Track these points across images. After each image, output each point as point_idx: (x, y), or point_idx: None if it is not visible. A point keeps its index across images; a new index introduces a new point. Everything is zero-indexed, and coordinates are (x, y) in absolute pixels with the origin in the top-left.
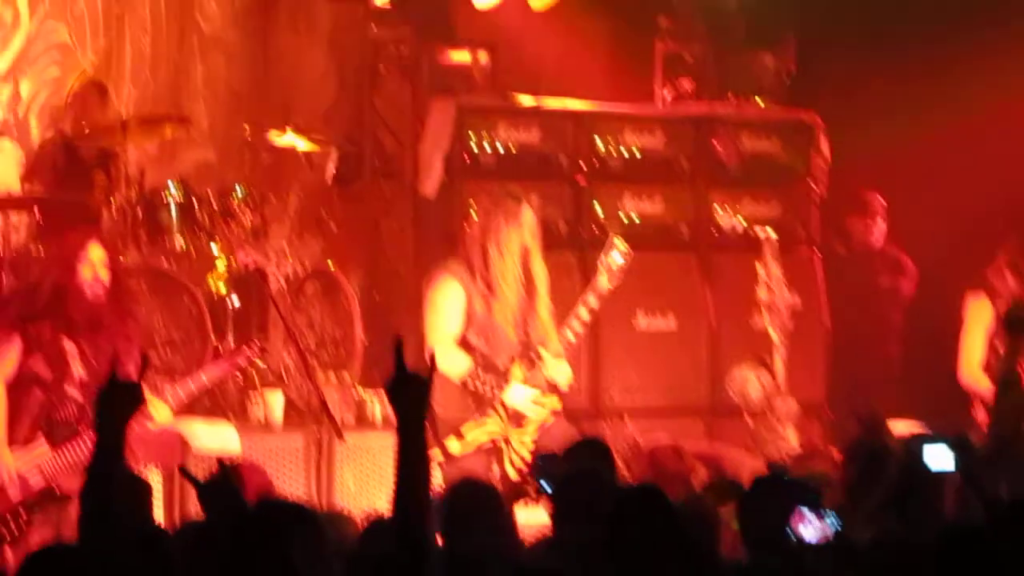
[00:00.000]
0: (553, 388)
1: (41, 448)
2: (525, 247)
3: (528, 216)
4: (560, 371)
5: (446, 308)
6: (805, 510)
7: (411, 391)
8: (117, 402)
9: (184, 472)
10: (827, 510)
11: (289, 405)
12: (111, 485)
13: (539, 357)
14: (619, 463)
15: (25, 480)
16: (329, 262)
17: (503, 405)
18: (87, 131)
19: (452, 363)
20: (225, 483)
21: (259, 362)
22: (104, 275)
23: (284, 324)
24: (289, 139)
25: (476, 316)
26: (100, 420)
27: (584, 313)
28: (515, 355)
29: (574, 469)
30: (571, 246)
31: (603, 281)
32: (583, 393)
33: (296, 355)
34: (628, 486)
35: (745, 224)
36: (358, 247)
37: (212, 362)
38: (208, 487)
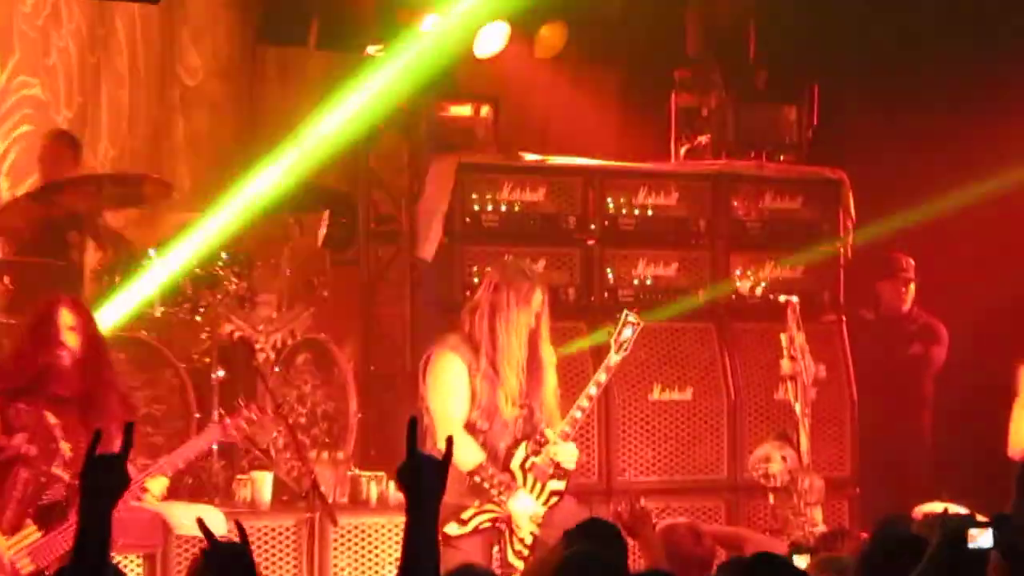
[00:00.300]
0: (559, 470)
1: (31, 532)
2: (533, 330)
3: (538, 298)
4: (567, 453)
5: (452, 389)
6: None
7: (426, 476)
8: (101, 481)
9: (203, 526)
10: None
11: (278, 486)
12: None
13: (544, 440)
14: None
15: (15, 566)
16: (321, 332)
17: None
18: (59, 188)
19: (464, 452)
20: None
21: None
22: (73, 342)
23: (272, 398)
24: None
25: (478, 397)
26: (84, 505)
27: (594, 390)
28: (516, 438)
29: (574, 553)
30: (580, 313)
31: (613, 357)
32: (594, 470)
33: (286, 432)
34: (640, 574)
35: (766, 289)
36: (352, 315)
37: (204, 431)
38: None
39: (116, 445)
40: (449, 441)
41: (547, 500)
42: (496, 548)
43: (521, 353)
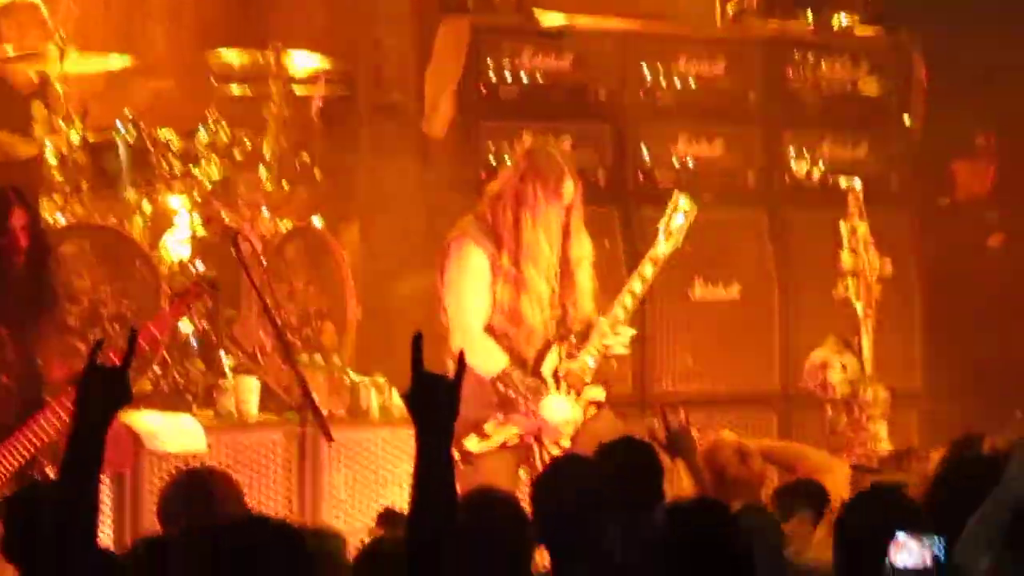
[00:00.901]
0: (605, 366)
1: None
2: (564, 224)
3: (570, 189)
4: (620, 338)
5: (474, 285)
6: (901, 534)
7: (435, 397)
8: (102, 393)
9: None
10: (928, 531)
11: (266, 395)
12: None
13: (579, 344)
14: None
15: None
16: (315, 218)
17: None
18: (18, 54)
19: (486, 357)
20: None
21: (223, 356)
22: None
23: (259, 295)
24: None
25: (499, 301)
26: (79, 419)
27: (638, 286)
28: (548, 341)
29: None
30: (611, 199)
31: (662, 247)
32: (628, 380)
33: (274, 333)
34: (678, 499)
35: (825, 172)
36: (350, 200)
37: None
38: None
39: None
40: (461, 356)
41: (584, 411)
42: (523, 468)
43: (552, 254)
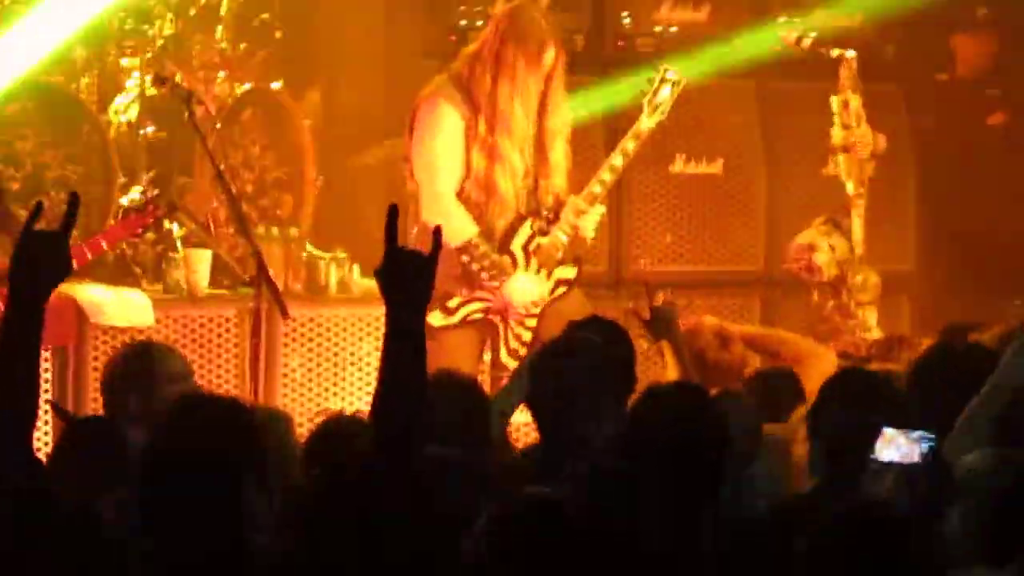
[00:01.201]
0: (570, 254)
1: None
2: (543, 93)
3: (551, 56)
4: (590, 217)
5: (447, 147)
6: (889, 428)
7: (409, 274)
8: (41, 262)
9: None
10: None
11: (218, 267)
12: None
13: (553, 218)
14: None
15: None
16: (274, 82)
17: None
18: None
19: (454, 223)
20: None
21: (172, 227)
22: None
23: (212, 162)
24: None
25: (474, 168)
26: (16, 288)
27: (619, 160)
28: (519, 214)
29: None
30: (588, 66)
31: (646, 121)
32: (603, 258)
33: (228, 202)
34: (656, 384)
35: (816, 39)
36: (310, 60)
37: (108, 230)
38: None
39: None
40: (437, 231)
41: (552, 289)
42: (488, 344)
43: (528, 125)
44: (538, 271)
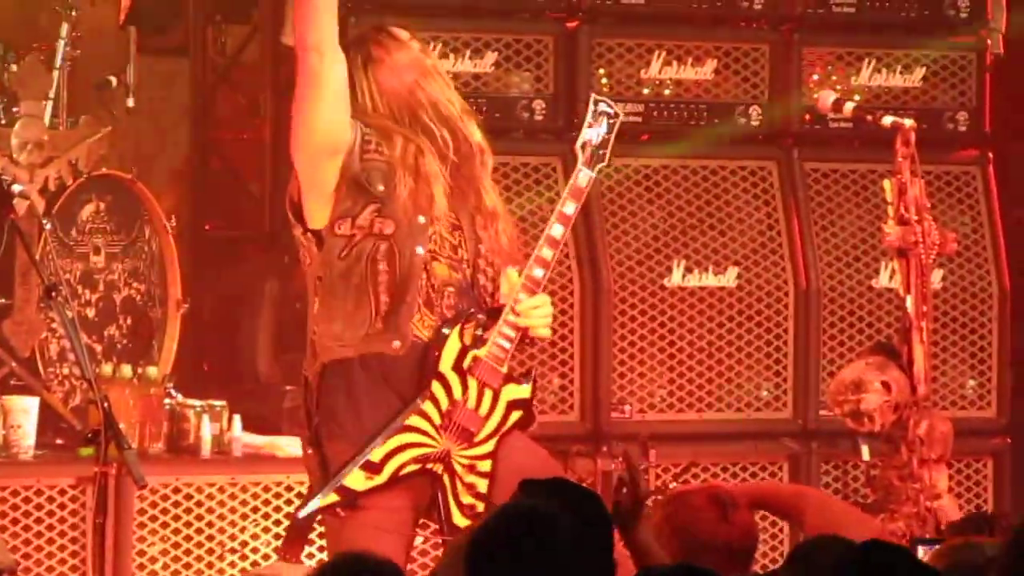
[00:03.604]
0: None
1: None
2: (414, 100)
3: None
4: (538, 311)
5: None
6: None
7: None
8: None
9: None
10: None
11: (47, 420)
12: None
13: (489, 318)
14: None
15: None
16: (123, 166)
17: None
18: None
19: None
20: None
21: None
22: None
23: (40, 277)
24: None
25: (375, 181)
26: None
27: (558, 230)
28: (443, 318)
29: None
30: (553, 143)
31: (583, 173)
32: (575, 403)
33: (63, 331)
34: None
35: (861, 103)
36: (175, 139)
37: None
38: None
39: None
40: None
41: (504, 419)
42: (435, 501)
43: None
44: (480, 396)
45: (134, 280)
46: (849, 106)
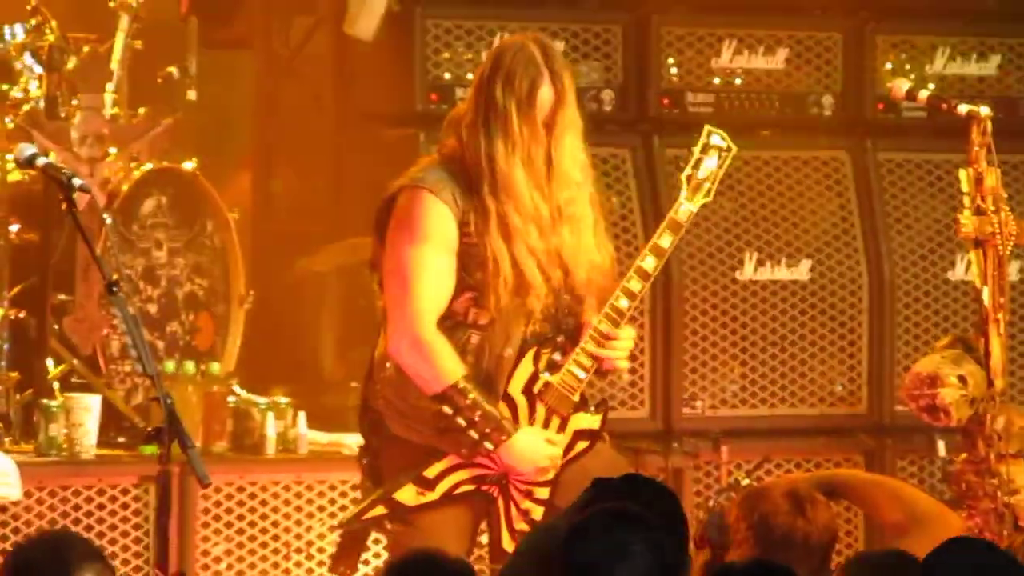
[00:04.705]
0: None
1: None
2: (549, 156)
3: (547, 97)
4: (621, 345)
5: (433, 255)
6: None
7: None
8: None
9: None
10: None
11: (110, 419)
12: None
13: (566, 345)
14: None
15: None
16: (186, 160)
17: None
18: None
19: (435, 362)
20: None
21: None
22: None
23: (101, 272)
24: None
25: (491, 253)
26: None
27: (651, 262)
28: (525, 340)
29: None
30: (620, 133)
31: (685, 206)
32: (645, 399)
33: (123, 329)
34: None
35: (936, 90)
36: (239, 132)
37: None
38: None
39: None
40: None
41: (569, 447)
42: (484, 525)
43: (533, 196)
44: (547, 423)
45: (197, 275)
46: (924, 94)
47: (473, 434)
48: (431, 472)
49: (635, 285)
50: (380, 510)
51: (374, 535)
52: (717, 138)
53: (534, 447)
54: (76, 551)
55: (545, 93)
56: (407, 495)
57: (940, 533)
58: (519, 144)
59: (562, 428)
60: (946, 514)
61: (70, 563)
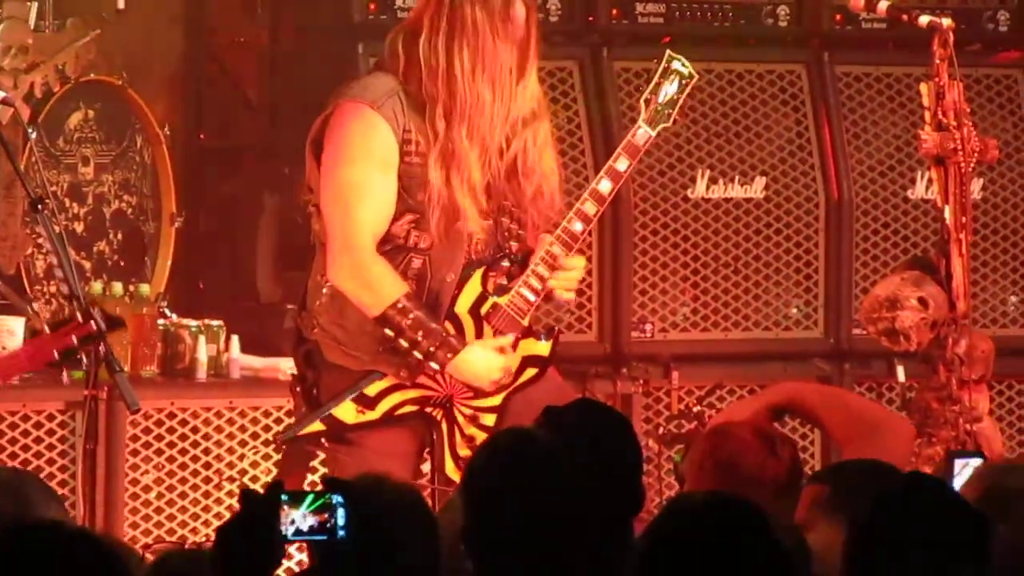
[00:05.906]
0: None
1: None
2: (518, 79)
3: (521, 14)
4: (570, 275)
5: (372, 174)
6: None
7: None
8: None
9: None
10: None
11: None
12: None
13: (516, 264)
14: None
15: None
16: (115, 71)
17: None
18: None
19: (375, 285)
20: None
21: None
22: None
23: (25, 189)
24: None
25: (431, 182)
26: None
27: (606, 186)
28: (469, 260)
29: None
30: (567, 45)
31: (643, 129)
32: (593, 323)
33: (49, 248)
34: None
35: (894, 1)
36: (168, 42)
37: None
38: None
39: None
40: None
41: (517, 371)
42: (426, 451)
43: (498, 115)
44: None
45: (125, 192)
46: (883, 4)
47: (417, 354)
48: (372, 390)
49: (590, 208)
50: (317, 426)
51: (320, 457)
52: (678, 64)
53: (486, 360)
54: (36, 492)
55: (519, 8)
56: (346, 412)
57: (891, 441)
58: (489, 63)
59: (510, 352)
60: (894, 419)
61: (31, 504)
